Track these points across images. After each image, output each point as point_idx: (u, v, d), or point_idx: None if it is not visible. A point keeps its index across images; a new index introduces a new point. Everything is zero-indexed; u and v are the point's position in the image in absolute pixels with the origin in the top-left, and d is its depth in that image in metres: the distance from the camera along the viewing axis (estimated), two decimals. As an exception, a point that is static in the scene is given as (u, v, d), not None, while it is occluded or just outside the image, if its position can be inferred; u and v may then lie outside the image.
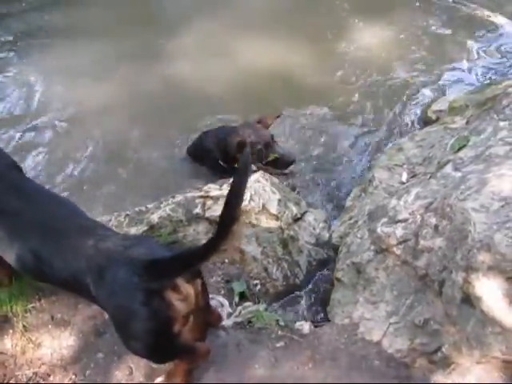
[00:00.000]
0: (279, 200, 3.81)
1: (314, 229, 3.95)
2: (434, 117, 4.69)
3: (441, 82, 5.72)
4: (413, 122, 5.10)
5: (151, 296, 2.43)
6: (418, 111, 5.25)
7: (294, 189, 4.35)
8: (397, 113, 5.32)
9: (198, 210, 3.68)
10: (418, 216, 3.18)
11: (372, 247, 3.33)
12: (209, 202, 3.72)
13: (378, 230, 3.28)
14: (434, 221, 3.12)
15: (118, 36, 6.40)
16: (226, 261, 3.72)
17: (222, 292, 3.61)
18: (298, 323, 3.40)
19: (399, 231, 3.21)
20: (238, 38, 6.18)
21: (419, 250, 3.12)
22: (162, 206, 3.69)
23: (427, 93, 5.51)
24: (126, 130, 5.28)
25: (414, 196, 3.33)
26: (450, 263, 2.95)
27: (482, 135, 3.63)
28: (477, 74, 5.80)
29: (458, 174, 3.34)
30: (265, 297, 3.72)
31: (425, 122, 4.76)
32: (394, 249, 3.20)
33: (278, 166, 4.62)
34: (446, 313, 2.96)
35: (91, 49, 6.26)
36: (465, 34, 6.63)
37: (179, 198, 3.73)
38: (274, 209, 3.76)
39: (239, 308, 3.47)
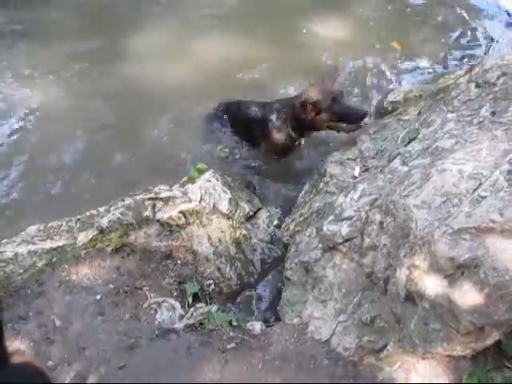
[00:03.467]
0: (230, 199, 3.78)
1: (268, 226, 3.93)
2: (389, 108, 4.63)
3: (400, 72, 5.67)
4: (370, 114, 5.03)
5: None
6: (375, 102, 5.20)
7: (248, 186, 4.29)
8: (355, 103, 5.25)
9: (148, 213, 3.64)
10: (363, 213, 3.16)
11: (320, 245, 3.31)
12: (159, 204, 3.68)
13: (325, 228, 3.26)
14: (378, 218, 3.10)
15: (76, 38, 6.34)
16: (179, 262, 3.68)
17: (175, 294, 3.58)
18: (249, 323, 3.38)
19: (345, 229, 3.19)
20: (196, 36, 6.13)
21: (365, 248, 3.11)
22: (111, 209, 3.63)
23: (386, 83, 5.44)
24: (91, 131, 5.21)
25: (360, 192, 3.31)
26: (394, 261, 2.94)
27: (431, 127, 3.61)
28: (437, 63, 5.73)
29: (405, 169, 3.32)
30: (219, 297, 3.69)
31: (381, 113, 4.70)
32: (341, 247, 3.19)
33: (351, 120, 4.32)
34: (391, 310, 2.94)
35: (49, 50, 6.18)
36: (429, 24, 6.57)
37: (129, 200, 3.68)
38: (225, 208, 3.73)
39: (191, 310, 3.45)
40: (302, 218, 3.73)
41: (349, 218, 3.21)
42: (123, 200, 3.70)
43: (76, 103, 5.49)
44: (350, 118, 4.26)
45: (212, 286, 3.67)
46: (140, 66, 5.82)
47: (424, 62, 5.74)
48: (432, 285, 2.72)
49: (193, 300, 3.59)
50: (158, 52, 6.02)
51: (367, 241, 3.07)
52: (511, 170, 2.87)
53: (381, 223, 3.06)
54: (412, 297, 2.81)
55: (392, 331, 2.94)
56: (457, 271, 2.64)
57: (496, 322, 2.60)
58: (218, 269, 3.67)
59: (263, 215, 3.98)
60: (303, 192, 4.02)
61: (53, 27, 6.56)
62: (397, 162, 3.39)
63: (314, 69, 5.63)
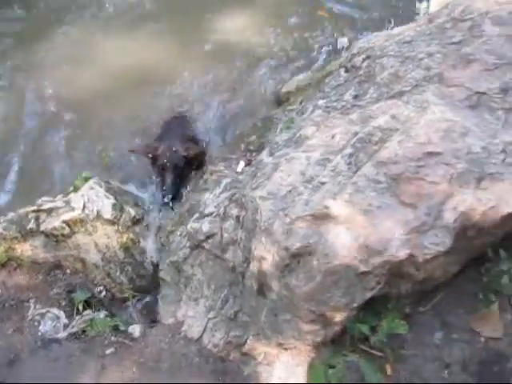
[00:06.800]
0: (114, 204, 3.79)
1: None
2: (284, 98, 4.60)
3: (303, 60, 5.61)
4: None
5: None
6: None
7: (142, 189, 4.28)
8: (255, 96, 5.22)
9: (31, 225, 3.66)
10: (222, 208, 3.15)
11: (187, 244, 3.30)
12: (43, 216, 3.69)
13: (189, 226, 3.26)
14: (235, 212, 3.10)
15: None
16: (68, 271, 3.70)
17: (63, 303, 3.60)
18: (130, 327, 3.39)
19: (205, 226, 3.20)
20: (101, 41, 6.10)
21: (225, 243, 3.11)
22: (-6, 224, 3.66)
23: (285, 73, 5.38)
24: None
25: (223, 188, 3.31)
26: (249, 254, 2.93)
27: (304, 115, 3.60)
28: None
29: (269, 160, 3.30)
30: (112, 302, 3.70)
31: (279, 103, 4.66)
32: (204, 244, 3.19)
33: None
34: (249, 304, 2.94)
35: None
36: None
37: (11, 214, 3.70)
38: (108, 214, 3.74)
39: (76, 318, 3.46)
40: (177, 218, 3.72)
41: (209, 215, 3.22)
42: (5, 215, 3.71)
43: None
44: None
45: (103, 293, 3.68)
46: (43, 77, 5.79)
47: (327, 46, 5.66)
48: (276, 276, 2.72)
49: (85, 308, 3.59)
50: (66, 58, 5.97)
51: (226, 236, 3.08)
52: (352, 154, 2.85)
53: (237, 217, 3.07)
54: (262, 289, 2.81)
55: (253, 324, 2.93)
56: (293, 260, 2.64)
57: (334, 307, 2.59)
58: (108, 274, 3.69)
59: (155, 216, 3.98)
60: (186, 191, 4.00)
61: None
62: (264, 154, 3.39)
63: (224, 64, 5.61)
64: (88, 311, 3.53)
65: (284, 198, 2.85)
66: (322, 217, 2.65)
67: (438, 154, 2.68)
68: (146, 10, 6.45)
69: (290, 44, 5.75)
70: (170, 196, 4.05)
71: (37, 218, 3.69)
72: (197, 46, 5.80)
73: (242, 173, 3.62)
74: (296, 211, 2.71)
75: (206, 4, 6.32)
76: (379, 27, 5.19)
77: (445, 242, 2.49)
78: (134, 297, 3.73)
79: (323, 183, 2.79)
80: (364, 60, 3.52)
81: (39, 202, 3.78)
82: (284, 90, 4.64)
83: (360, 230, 2.56)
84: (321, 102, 3.53)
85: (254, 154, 3.82)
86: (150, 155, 4.27)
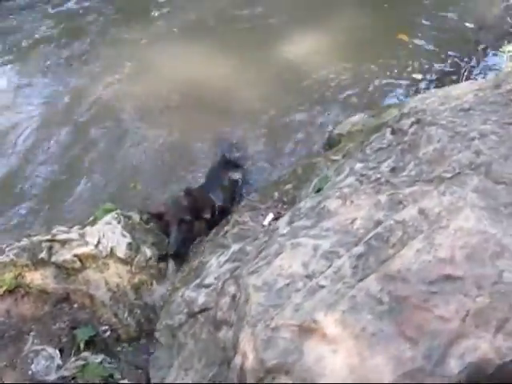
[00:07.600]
0: (129, 243, 3.60)
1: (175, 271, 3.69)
2: (336, 141, 4.13)
3: (369, 94, 5.05)
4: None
5: None
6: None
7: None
8: (309, 133, 4.77)
9: (43, 255, 3.54)
10: (221, 282, 2.86)
11: (185, 310, 3.05)
12: (56, 246, 3.57)
13: (186, 293, 2.99)
14: (233, 290, 2.81)
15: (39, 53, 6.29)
16: (75, 306, 3.56)
17: (64, 339, 3.47)
18: (121, 381, 3.21)
19: (202, 298, 2.92)
20: (162, 50, 5.86)
21: (219, 321, 2.82)
22: (6, 250, 3.57)
23: (347, 109, 4.87)
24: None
25: (230, 255, 2.99)
26: (237, 343, 2.64)
27: (339, 176, 3.21)
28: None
29: (285, 231, 2.96)
30: (116, 343, 3.54)
31: (330, 146, 4.20)
32: (199, 316, 2.91)
33: None
34: (231, 398, 2.66)
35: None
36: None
37: (24, 241, 3.60)
38: (122, 253, 3.55)
39: (70, 361, 3.33)
40: (186, 272, 3.45)
41: (208, 286, 2.94)
42: (19, 241, 3.61)
43: (35, 121, 5.45)
44: None
45: (108, 333, 3.52)
46: (101, 82, 5.65)
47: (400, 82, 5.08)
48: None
49: (87, 345, 3.46)
50: (119, 68, 5.81)
51: (219, 314, 2.79)
52: (363, 254, 2.46)
53: (233, 297, 2.77)
54: (242, 391, 2.51)
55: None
56: (267, 376, 2.32)
57: None
58: (116, 315, 3.53)
59: (172, 259, 3.76)
60: (205, 240, 3.69)
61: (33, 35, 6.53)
62: (283, 220, 3.04)
63: (283, 92, 5.19)
64: (86, 353, 3.38)
65: (279, 292, 2.53)
66: (310, 331, 2.31)
67: (458, 278, 2.24)
68: (207, 25, 6.09)
69: (358, 74, 5.23)
70: (173, 251, 3.73)
71: (50, 248, 3.58)
72: (258, 69, 5.44)
73: (263, 232, 3.26)
74: (284, 316, 2.38)
75: (274, 23, 5.88)
76: (457, 65, 4.61)
77: (442, 398, 2.06)
78: (134, 342, 3.53)
79: (321, 286, 2.43)
80: (412, 124, 3.08)
81: (54, 231, 3.65)
82: (337, 131, 4.18)
83: (345, 360, 2.20)
84: (358, 165, 3.13)
85: (285, 206, 3.45)
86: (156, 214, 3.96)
